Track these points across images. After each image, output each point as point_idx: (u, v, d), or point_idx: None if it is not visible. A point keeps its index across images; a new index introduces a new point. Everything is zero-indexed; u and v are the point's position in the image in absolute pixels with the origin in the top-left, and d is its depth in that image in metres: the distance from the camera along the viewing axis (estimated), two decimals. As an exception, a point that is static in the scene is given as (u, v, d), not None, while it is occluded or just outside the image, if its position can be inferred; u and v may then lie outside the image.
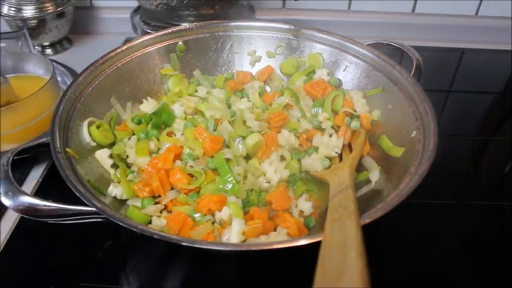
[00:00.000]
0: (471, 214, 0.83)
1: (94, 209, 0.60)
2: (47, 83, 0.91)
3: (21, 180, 0.87)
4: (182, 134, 0.84)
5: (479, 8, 1.38)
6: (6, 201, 0.62)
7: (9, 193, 0.62)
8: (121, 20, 1.36)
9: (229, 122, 0.83)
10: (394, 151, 0.77)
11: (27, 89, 0.94)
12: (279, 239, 0.66)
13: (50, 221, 0.63)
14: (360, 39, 0.93)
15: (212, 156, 0.78)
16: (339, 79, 0.94)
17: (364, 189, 0.76)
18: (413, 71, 0.87)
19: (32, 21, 1.19)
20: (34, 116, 0.91)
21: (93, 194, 0.66)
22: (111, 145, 0.82)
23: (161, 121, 0.85)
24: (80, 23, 1.37)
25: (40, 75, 1.01)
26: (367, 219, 0.57)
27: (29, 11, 1.17)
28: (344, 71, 0.94)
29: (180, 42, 0.96)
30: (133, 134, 0.84)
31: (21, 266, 0.73)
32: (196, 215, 0.70)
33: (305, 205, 0.74)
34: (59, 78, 1.11)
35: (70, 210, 0.62)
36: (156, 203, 0.74)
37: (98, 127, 0.80)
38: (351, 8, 1.40)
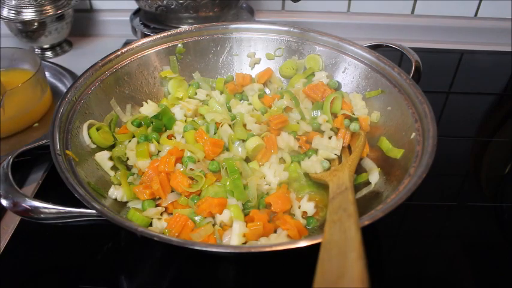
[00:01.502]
0: (471, 215, 0.83)
1: (94, 211, 0.61)
2: (34, 75, 0.93)
3: (21, 183, 0.87)
4: (182, 137, 0.84)
5: (479, 9, 1.38)
6: (6, 204, 0.62)
7: (9, 195, 0.62)
8: (121, 23, 1.36)
9: (230, 125, 0.84)
10: (394, 153, 0.77)
11: (15, 82, 0.95)
12: (279, 241, 0.66)
13: (50, 223, 0.63)
14: (359, 41, 0.94)
15: (213, 159, 0.79)
16: (338, 81, 0.94)
17: (364, 191, 0.76)
18: (412, 73, 0.87)
19: (32, 24, 1.19)
20: (21, 108, 0.93)
21: (93, 196, 0.66)
22: (111, 147, 0.82)
23: (162, 124, 0.85)
24: (79, 26, 1.38)
25: (28, 69, 1.03)
26: (366, 221, 0.57)
27: (28, 14, 1.17)
28: (343, 72, 0.94)
29: (179, 45, 0.97)
30: (134, 136, 0.84)
31: (21, 267, 0.73)
32: (197, 218, 0.70)
33: (307, 206, 0.74)
34: (59, 82, 1.12)
35: (70, 212, 0.62)
36: (157, 205, 0.74)
37: (97, 129, 0.80)
38: (350, 10, 1.40)
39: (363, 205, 0.67)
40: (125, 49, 0.91)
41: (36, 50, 1.29)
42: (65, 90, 0.89)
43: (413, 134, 0.74)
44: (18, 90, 0.92)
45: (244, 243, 0.66)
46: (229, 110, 0.91)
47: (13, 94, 0.91)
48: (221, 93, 0.96)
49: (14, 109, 0.92)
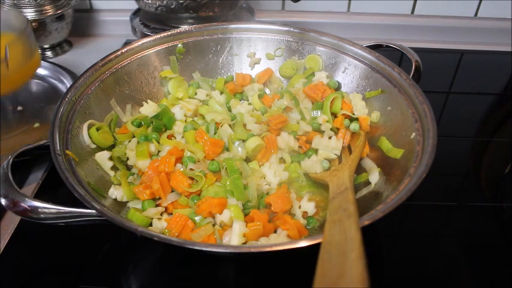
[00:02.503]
0: (471, 215, 0.83)
1: (94, 211, 0.61)
2: (21, 34, 0.91)
3: (21, 183, 0.87)
4: (182, 137, 0.84)
5: (479, 9, 1.38)
6: (6, 204, 0.62)
7: (9, 195, 0.62)
8: (120, 23, 1.36)
9: (230, 125, 0.84)
10: (394, 153, 0.77)
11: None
12: (279, 241, 0.66)
13: (50, 223, 0.63)
14: (359, 40, 0.94)
15: (213, 159, 0.79)
16: (338, 81, 0.94)
17: (364, 191, 0.76)
18: (412, 73, 0.87)
19: (31, 24, 1.19)
20: (17, 63, 0.91)
21: (93, 196, 0.66)
22: (111, 147, 0.82)
23: (162, 124, 0.85)
24: (79, 26, 1.38)
25: (15, 31, 0.99)
26: (366, 221, 0.57)
27: (28, 14, 1.17)
28: (343, 72, 0.94)
29: (179, 45, 0.97)
30: (134, 136, 0.84)
31: (21, 267, 0.73)
32: (197, 218, 0.70)
33: (308, 206, 0.74)
34: (59, 82, 1.12)
35: (70, 212, 0.62)
36: (157, 205, 0.74)
37: (97, 129, 0.80)
38: (350, 10, 1.40)
39: (363, 205, 0.67)
40: (125, 49, 0.90)
41: (36, 50, 1.29)
42: (65, 90, 0.89)
43: (413, 134, 0.74)
44: (13, 44, 0.89)
45: (244, 243, 0.66)
46: (229, 110, 0.91)
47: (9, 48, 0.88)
48: (221, 93, 0.96)
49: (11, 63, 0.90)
